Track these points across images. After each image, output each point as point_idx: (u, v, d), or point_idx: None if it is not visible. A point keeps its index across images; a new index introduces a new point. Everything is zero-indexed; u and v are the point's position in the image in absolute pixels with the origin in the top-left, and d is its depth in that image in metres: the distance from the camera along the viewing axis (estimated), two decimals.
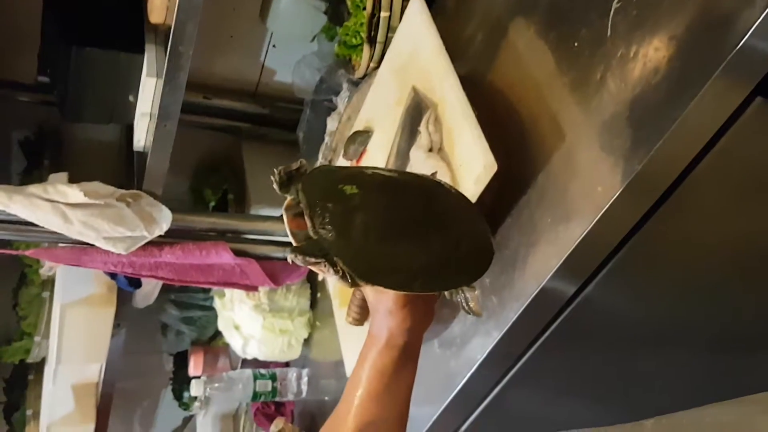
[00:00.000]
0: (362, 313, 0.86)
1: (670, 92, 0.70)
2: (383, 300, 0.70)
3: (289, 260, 0.64)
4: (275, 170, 0.71)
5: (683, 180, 0.75)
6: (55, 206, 1.09)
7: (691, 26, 0.69)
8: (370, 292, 0.73)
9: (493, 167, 0.83)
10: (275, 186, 0.71)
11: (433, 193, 0.76)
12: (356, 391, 0.71)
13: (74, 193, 1.09)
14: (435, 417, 1.01)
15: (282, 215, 0.72)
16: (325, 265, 0.64)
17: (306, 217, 0.67)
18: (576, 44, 0.83)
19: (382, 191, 0.73)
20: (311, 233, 0.66)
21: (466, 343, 0.96)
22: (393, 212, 0.71)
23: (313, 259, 0.64)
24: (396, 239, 0.68)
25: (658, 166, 0.72)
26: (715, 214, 0.83)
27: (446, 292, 0.72)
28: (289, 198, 0.72)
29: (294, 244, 0.70)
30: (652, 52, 0.73)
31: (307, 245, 0.66)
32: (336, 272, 0.64)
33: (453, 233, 0.72)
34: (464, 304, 0.71)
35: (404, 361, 0.71)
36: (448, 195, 0.78)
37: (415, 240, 0.69)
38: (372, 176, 0.75)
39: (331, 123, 1.33)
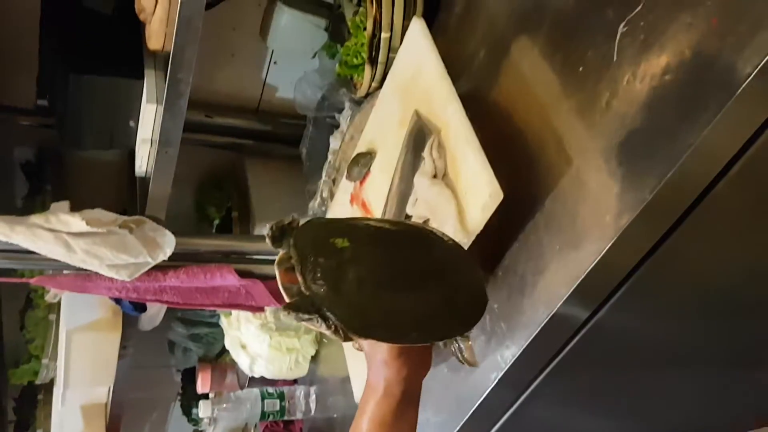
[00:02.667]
0: None
1: (682, 119, 0.68)
2: (378, 350, 0.70)
3: (282, 318, 0.64)
4: (267, 225, 0.71)
5: (696, 206, 0.73)
6: (57, 236, 1.08)
7: (701, 51, 0.67)
8: (364, 342, 0.72)
9: (499, 196, 0.81)
10: (268, 241, 0.72)
11: (425, 243, 0.76)
12: None
13: (76, 222, 1.09)
14: None
15: (275, 270, 0.71)
16: (318, 321, 0.64)
17: (297, 273, 0.67)
18: (582, 68, 0.81)
19: (374, 243, 0.73)
20: (303, 289, 0.66)
21: (476, 368, 0.95)
22: (385, 265, 0.71)
23: (306, 315, 0.64)
24: (389, 291, 0.68)
25: (670, 194, 0.70)
26: (728, 242, 0.81)
27: (440, 342, 0.72)
28: (281, 252, 0.72)
29: (286, 299, 0.69)
30: (661, 77, 0.71)
31: (300, 301, 0.66)
32: (329, 327, 0.64)
33: (446, 283, 0.72)
34: (458, 355, 0.72)
35: (403, 410, 0.71)
36: (441, 243, 0.78)
37: (408, 292, 0.69)
38: (364, 228, 0.76)
39: (334, 142, 1.32)
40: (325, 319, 0.64)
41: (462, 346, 0.70)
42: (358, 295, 0.66)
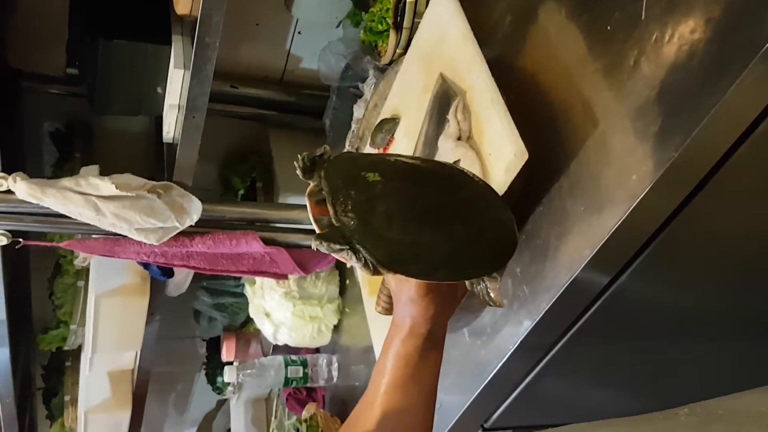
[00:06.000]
0: (392, 303, 0.85)
1: (708, 77, 0.68)
2: (405, 288, 0.70)
3: (314, 247, 0.64)
4: (299, 156, 0.71)
5: (721, 167, 0.73)
6: (87, 199, 1.10)
7: (728, 8, 0.67)
8: (392, 280, 0.72)
9: (524, 155, 0.81)
10: (298, 171, 0.71)
11: (456, 182, 0.76)
12: (381, 379, 0.71)
13: (106, 186, 1.10)
14: (466, 406, 1.01)
15: (305, 201, 0.72)
16: (348, 253, 0.64)
17: (328, 205, 0.67)
18: (609, 27, 0.80)
19: (405, 179, 0.72)
20: (333, 220, 0.66)
21: (497, 332, 0.96)
22: (416, 200, 0.70)
23: (337, 247, 0.64)
24: (418, 227, 0.68)
25: (695, 154, 0.70)
26: (754, 202, 0.80)
27: (467, 282, 0.71)
28: (312, 184, 0.72)
29: (317, 230, 0.69)
30: (689, 36, 0.70)
31: (331, 232, 0.65)
32: (358, 260, 0.64)
33: (476, 222, 0.71)
34: (485, 295, 0.70)
35: (428, 349, 0.71)
36: (472, 183, 0.77)
37: (437, 228, 0.68)
38: (395, 164, 0.75)
39: (358, 110, 1.32)
40: (356, 252, 0.64)
41: (489, 286, 0.69)
42: (388, 229, 0.66)
